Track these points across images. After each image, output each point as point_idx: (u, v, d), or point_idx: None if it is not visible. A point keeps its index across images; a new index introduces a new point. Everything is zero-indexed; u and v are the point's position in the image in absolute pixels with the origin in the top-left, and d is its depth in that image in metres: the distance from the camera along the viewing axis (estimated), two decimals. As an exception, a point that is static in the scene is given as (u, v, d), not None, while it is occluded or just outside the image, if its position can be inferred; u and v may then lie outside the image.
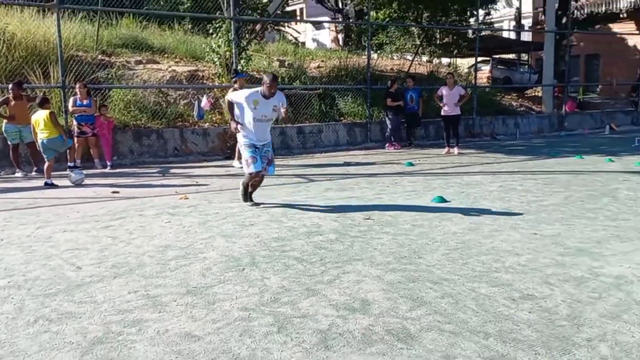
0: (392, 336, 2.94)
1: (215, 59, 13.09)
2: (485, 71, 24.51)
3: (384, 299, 3.49)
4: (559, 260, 4.25)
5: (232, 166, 10.12)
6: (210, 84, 13.21)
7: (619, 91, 26.18)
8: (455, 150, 11.88)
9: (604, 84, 28.63)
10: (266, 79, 5.87)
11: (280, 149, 12.19)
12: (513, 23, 34.77)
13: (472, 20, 20.49)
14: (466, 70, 23.39)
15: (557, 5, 20.99)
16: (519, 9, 33.12)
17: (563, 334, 2.94)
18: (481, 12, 23.46)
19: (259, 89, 5.92)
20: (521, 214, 5.91)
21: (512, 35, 31.35)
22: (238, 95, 6.04)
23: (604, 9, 29.68)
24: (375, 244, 4.77)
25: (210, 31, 13.50)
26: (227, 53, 12.70)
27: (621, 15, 27.98)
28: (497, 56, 25.90)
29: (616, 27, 28.19)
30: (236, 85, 9.76)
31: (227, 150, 11.43)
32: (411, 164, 10.11)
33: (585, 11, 29.07)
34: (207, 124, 12.16)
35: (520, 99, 20.99)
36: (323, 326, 3.07)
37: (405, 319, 3.16)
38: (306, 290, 3.65)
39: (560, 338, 2.90)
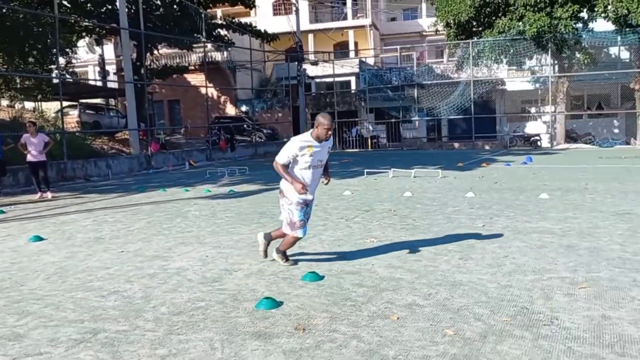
0: (3, 339, 3.62)
1: None
2: (74, 116, 24.83)
3: (-9, 319, 4.07)
4: (139, 265, 5.59)
5: None
6: None
7: (200, 132, 30.56)
8: (49, 194, 12.15)
9: (179, 128, 32.79)
10: (325, 121, 4.87)
11: None
12: (98, 68, 35.99)
13: (54, 65, 20.62)
14: (53, 115, 23.22)
15: (134, 56, 23.29)
16: (102, 56, 34.56)
17: (137, 308, 4.22)
18: (62, 59, 23.77)
19: (307, 135, 4.97)
20: (112, 238, 7.06)
21: (100, 82, 32.48)
22: (289, 151, 4.90)
23: (177, 61, 34.17)
24: (-27, 284, 5.09)
25: None
26: None
27: (190, 68, 32.78)
28: (85, 101, 26.57)
29: (190, 77, 32.87)
30: None
31: None
32: (2, 212, 9.98)
33: (162, 62, 32.80)
34: None
35: (111, 142, 22.30)
36: None
37: (14, 327, 3.87)
38: None
39: (135, 310, 4.17)
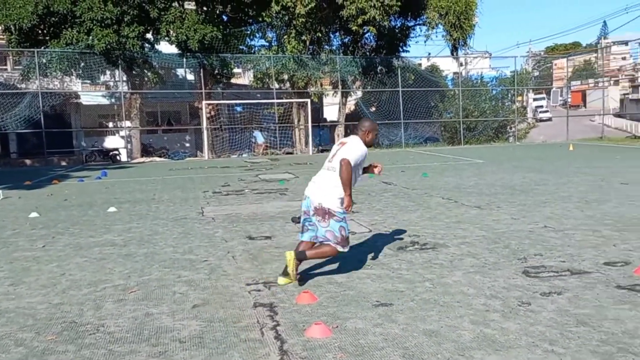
0: None
1: None
2: None
3: None
4: None
5: None
6: None
7: None
8: None
9: None
10: (376, 126, 4.92)
11: None
12: None
13: None
14: None
15: None
16: None
17: None
18: None
19: (359, 139, 4.79)
20: None
21: None
22: (361, 154, 4.73)
23: None
24: None
25: None
26: None
27: None
28: None
29: None
30: None
31: None
32: None
33: None
34: None
35: None
36: None
37: None
38: None
39: None
